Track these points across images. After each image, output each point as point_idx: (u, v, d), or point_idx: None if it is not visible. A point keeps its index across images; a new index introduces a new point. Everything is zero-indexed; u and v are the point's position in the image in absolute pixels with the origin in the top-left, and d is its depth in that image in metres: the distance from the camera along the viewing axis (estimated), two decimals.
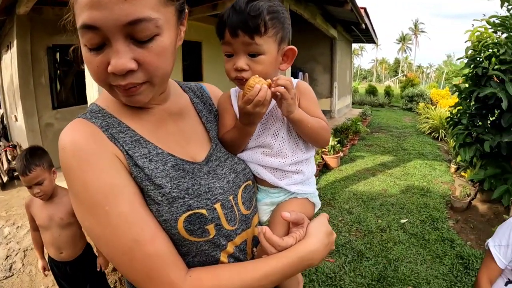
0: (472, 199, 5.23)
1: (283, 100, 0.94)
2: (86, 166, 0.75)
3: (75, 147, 0.76)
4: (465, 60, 4.75)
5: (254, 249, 1.02)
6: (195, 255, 0.88)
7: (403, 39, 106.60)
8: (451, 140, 7.81)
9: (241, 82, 1.00)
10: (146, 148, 0.86)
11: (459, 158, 5.58)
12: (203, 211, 0.85)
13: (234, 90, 1.15)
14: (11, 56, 6.64)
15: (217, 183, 0.93)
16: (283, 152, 1.06)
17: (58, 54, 6.87)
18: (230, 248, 0.93)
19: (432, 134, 10.65)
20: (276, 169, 1.07)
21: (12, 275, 3.54)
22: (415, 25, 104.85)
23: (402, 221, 4.80)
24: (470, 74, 4.69)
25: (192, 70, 9.57)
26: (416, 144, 9.45)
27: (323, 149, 7.34)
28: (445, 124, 9.51)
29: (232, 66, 0.99)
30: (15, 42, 6.13)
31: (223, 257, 0.92)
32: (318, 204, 1.16)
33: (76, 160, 0.75)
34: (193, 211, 0.83)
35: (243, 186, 1.01)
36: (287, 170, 1.07)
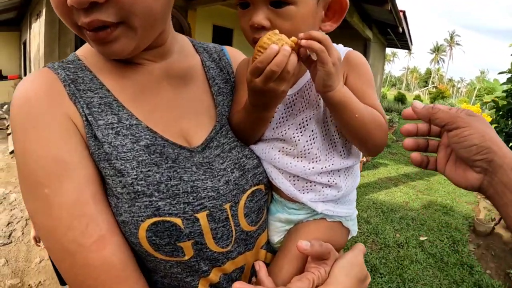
0: (496, 224, 4.94)
1: (319, 65, 0.64)
2: (30, 130, 0.59)
3: (24, 104, 0.60)
4: (508, 76, 4.45)
5: (254, 278, 0.76)
6: (164, 276, 0.67)
7: (437, 49, 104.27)
8: None
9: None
10: (117, 116, 0.65)
11: None
12: (177, 220, 0.61)
13: None
14: (39, 25, 6.66)
15: (209, 182, 0.68)
16: (312, 153, 0.75)
17: None
18: (215, 276, 0.68)
19: None
20: (297, 176, 0.77)
21: (10, 243, 3.49)
22: (451, 37, 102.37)
23: (422, 238, 4.55)
24: (510, 91, 4.37)
25: None
26: None
27: None
28: None
29: (248, 22, 0.70)
30: (44, 11, 6.11)
31: (203, 286, 0.68)
32: (354, 232, 0.85)
33: (21, 121, 0.60)
34: (162, 218, 0.60)
35: (249, 191, 0.73)
36: (313, 180, 0.76)
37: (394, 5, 7.23)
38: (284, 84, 0.64)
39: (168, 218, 0.60)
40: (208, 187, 0.66)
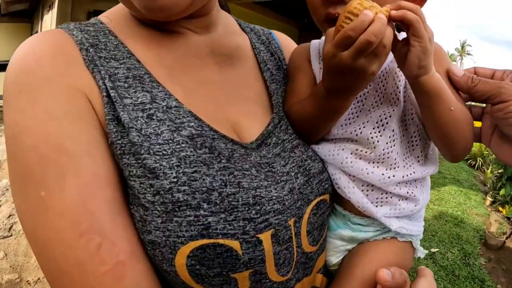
0: (507, 237, 4.87)
1: (413, 40, 0.52)
2: (26, 106, 0.45)
3: (21, 70, 0.47)
4: None
5: None
6: None
7: None
8: (488, 171, 7.40)
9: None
10: (150, 94, 0.51)
11: (502, 192, 5.17)
12: (234, 243, 0.46)
13: (317, 42, 0.74)
14: (51, 17, 6.66)
15: (273, 190, 0.52)
16: (391, 158, 0.63)
17: None
18: None
19: (469, 161, 10.13)
20: (372, 185, 0.63)
21: (10, 236, 3.41)
22: (462, 47, 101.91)
23: (433, 250, 4.49)
24: None
25: None
26: (452, 169, 8.99)
27: None
28: (485, 153, 9.09)
29: None
30: (56, 3, 6.11)
31: None
32: (422, 253, 0.71)
33: (15, 93, 0.46)
34: (212, 240, 0.45)
35: (314, 202, 0.59)
36: (391, 191, 0.63)
37: None
38: (376, 62, 0.52)
39: (221, 241, 0.45)
40: (273, 197, 0.51)
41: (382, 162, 0.63)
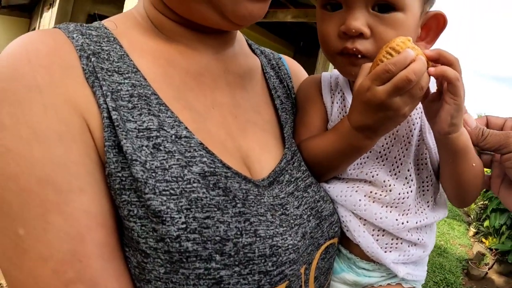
0: (490, 268, 4.91)
1: (448, 97, 0.51)
2: (8, 124, 0.37)
3: (9, 72, 0.39)
4: None
5: None
6: None
7: None
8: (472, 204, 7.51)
9: (351, 60, 0.57)
10: (157, 119, 0.44)
11: (486, 223, 5.23)
12: None
13: (327, 75, 0.70)
14: (50, 15, 6.60)
15: (288, 237, 0.47)
16: (406, 203, 0.60)
17: None
18: None
19: None
20: (384, 230, 0.61)
21: None
22: None
23: None
24: None
25: None
26: None
27: None
28: None
29: (338, 27, 0.56)
30: (57, 1, 6.07)
31: None
32: None
33: None
34: None
35: (323, 247, 0.55)
36: (403, 237, 0.61)
37: None
38: (410, 103, 0.50)
39: None
40: (290, 246, 0.46)
41: (396, 207, 0.61)
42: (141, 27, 0.53)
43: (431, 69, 0.50)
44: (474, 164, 0.57)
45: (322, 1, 0.58)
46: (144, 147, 0.40)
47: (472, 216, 7.00)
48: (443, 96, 0.52)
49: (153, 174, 0.39)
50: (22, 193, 0.36)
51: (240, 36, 0.67)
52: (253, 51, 0.70)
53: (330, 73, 0.71)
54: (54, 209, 0.36)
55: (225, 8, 0.47)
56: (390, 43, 0.50)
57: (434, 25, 0.61)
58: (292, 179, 0.55)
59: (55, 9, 6.23)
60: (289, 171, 0.56)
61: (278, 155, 0.57)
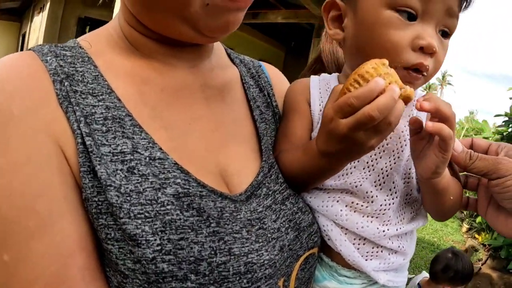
0: (483, 264, 4.91)
1: (437, 150, 0.51)
2: None
3: None
4: (505, 118, 4.51)
5: None
6: None
7: (428, 87, 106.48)
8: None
9: (415, 77, 0.56)
10: (131, 141, 0.44)
11: (478, 219, 5.28)
12: None
13: (316, 79, 0.69)
14: (41, 19, 6.57)
15: (264, 252, 0.48)
16: (387, 214, 0.61)
17: (88, 28, 6.75)
18: None
19: None
20: (365, 239, 0.61)
21: None
22: (443, 76, 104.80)
23: (409, 276, 4.45)
24: (507, 134, 4.42)
25: None
26: None
27: None
28: None
29: (413, 39, 0.54)
30: (48, 5, 6.04)
31: None
32: None
33: None
34: None
35: (303, 258, 0.56)
36: (384, 245, 0.62)
37: None
38: (377, 138, 0.48)
39: None
40: (265, 262, 0.47)
41: (377, 217, 0.61)
42: (117, 45, 0.53)
43: (429, 124, 0.49)
44: (452, 197, 0.58)
45: (396, 4, 0.54)
46: (118, 171, 0.42)
47: (465, 212, 7.03)
48: (433, 148, 0.52)
49: (128, 198, 0.40)
50: (5, 222, 0.38)
51: (218, 47, 0.67)
52: (232, 60, 0.70)
53: (319, 77, 0.70)
54: (36, 235, 0.38)
55: (199, 23, 0.47)
56: (360, 69, 0.46)
57: None
58: (270, 192, 0.56)
59: (45, 13, 6.20)
60: (266, 184, 0.56)
61: (256, 168, 0.57)
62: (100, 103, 0.45)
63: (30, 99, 0.42)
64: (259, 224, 0.50)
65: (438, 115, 0.50)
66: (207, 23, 0.47)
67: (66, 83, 0.44)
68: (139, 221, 0.40)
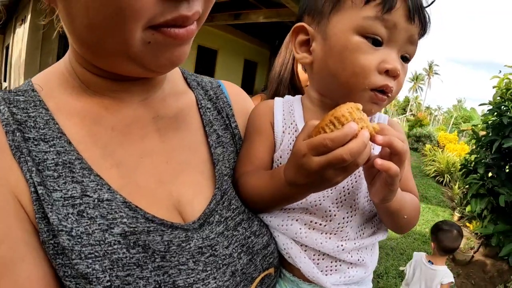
0: (475, 252, 4.96)
1: (385, 184, 0.54)
2: None
3: None
4: (489, 107, 4.56)
5: None
6: None
7: (416, 78, 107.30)
8: (456, 187, 7.59)
9: (381, 98, 0.61)
10: (80, 185, 0.47)
11: (468, 208, 5.35)
12: None
13: (280, 101, 0.73)
14: (23, 31, 6.52)
15: (212, 280, 0.51)
16: (345, 231, 0.64)
17: None
18: None
19: (437, 178, 10.37)
20: (324, 254, 0.65)
21: None
22: (430, 66, 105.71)
23: (401, 268, 4.47)
24: (491, 122, 4.47)
25: None
26: (420, 187, 9.13)
27: None
28: (452, 169, 9.36)
29: (379, 63, 0.59)
30: (29, 17, 5.99)
31: None
32: None
33: None
34: None
35: (258, 279, 0.59)
36: (343, 259, 0.65)
37: None
38: (343, 175, 0.52)
39: None
40: None
41: (335, 234, 0.64)
42: (68, 84, 0.55)
43: (377, 161, 0.52)
44: (406, 216, 0.63)
45: (366, 31, 0.58)
46: (70, 215, 0.45)
47: (456, 201, 7.08)
48: (381, 178, 0.55)
49: (79, 240, 0.44)
50: None
51: (173, 73, 0.68)
52: (188, 84, 0.71)
53: (282, 99, 0.73)
54: (1, 278, 0.41)
55: (144, 60, 0.49)
56: (336, 111, 0.49)
57: None
58: (222, 219, 0.58)
59: (27, 24, 6.15)
60: (218, 211, 0.59)
61: (209, 196, 0.60)
62: (52, 149, 0.48)
63: None
64: (210, 251, 0.54)
65: (390, 149, 0.53)
66: (152, 60, 0.49)
67: (17, 134, 0.47)
68: (90, 261, 0.43)
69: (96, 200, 0.47)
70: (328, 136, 0.48)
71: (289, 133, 0.68)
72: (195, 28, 0.49)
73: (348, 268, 0.66)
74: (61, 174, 0.47)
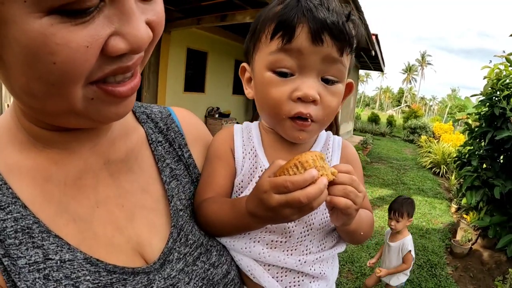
0: (473, 244, 4.98)
1: (343, 214, 0.59)
2: None
3: None
4: (481, 98, 4.54)
5: None
6: None
7: (409, 69, 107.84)
8: (453, 178, 7.60)
9: (302, 124, 0.64)
10: (41, 249, 0.48)
11: (464, 201, 5.34)
12: None
13: (239, 128, 0.76)
14: None
15: None
16: (304, 245, 0.68)
17: None
18: None
19: (433, 169, 10.41)
20: (287, 270, 0.68)
21: None
22: (422, 57, 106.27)
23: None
24: (484, 113, 4.45)
25: (194, 80, 9.36)
26: (417, 179, 9.20)
27: None
28: (448, 160, 9.37)
29: (291, 93, 0.62)
30: None
31: None
32: None
33: None
34: None
35: None
36: (307, 272, 0.68)
37: (367, 30, 7.40)
38: (299, 214, 0.55)
39: None
40: None
41: (296, 249, 0.67)
42: (17, 140, 0.54)
43: (327, 199, 0.56)
44: (362, 233, 0.69)
45: (274, 66, 0.63)
46: (37, 279, 0.46)
47: (453, 192, 7.09)
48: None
49: None
50: None
51: None
52: (137, 118, 0.69)
53: (242, 126, 0.76)
54: None
55: (90, 115, 0.48)
56: (302, 156, 0.54)
57: (347, 91, 0.71)
58: (181, 256, 0.60)
59: None
60: (177, 248, 0.60)
61: (167, 234, 0.61)
62: (9, 216, 0.47)
63: None
64: None
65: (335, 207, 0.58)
66: (98, 114, 0.49)
67: None
68: None
69: (58, 261, 0.48)
70: (289, 178, 0.52)
71: (249, 159, 0.71)
72: (137, 80, 0.49)
73: (310, 282, 0.69)
74: (22, 241, 0.47)
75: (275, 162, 0.57)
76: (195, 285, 0.58)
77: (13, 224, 0.47)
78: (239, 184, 0.71)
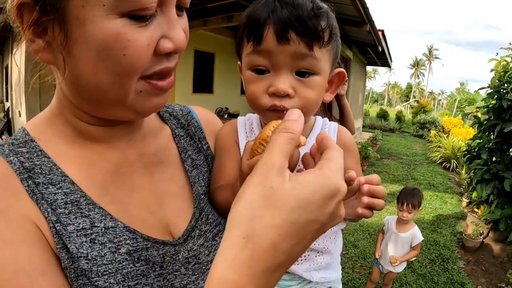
0: (484, 237, 4.95)
1: (364, 206, 0.62)
2: None
3: None
4: (489, 91, 4.52)
5: None
6: None
7: (416, 64, 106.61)
8: (463, 172, 7.54)
9: (279, 115, 0.67)
10: (88, 218, 0.57)
11: (474, 194, 5.32)
12: None
13: (242, 120, 0.83)
14: (20, 51, 6.56)
15: (200, 282, 0.63)
16: None
17: None
18: None
19: (443, 164, 10.33)
20: None
21: None
22: (430, 51, 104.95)
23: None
24: (492, 106, 4.44)
25: (203, 81, 9.42)
26: (427, 174, 9.13)
27: None
28: (458, 154, 9.29)
29: (266, 88, 0.68)
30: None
31: None
32: None
33: None
34: None
35: None
36: (311, 247, 0.75)
37: (372, 26, 7.36)
38: None
39: None
40: None
41: None
42: (62, 133, 0.62)
43: (365, 187, 0.61)
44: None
45: (251, 65, 0.70)
46: (84, 243, 0.54)
47: (464, 186, 7.02)
48: (358, 201, 0.62)
49: (95, 262, 0.54)
50: (2, 283, 0.46)
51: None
52: (162, 116, 0.80)
53: (245, 118, 0.82)
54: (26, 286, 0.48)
55: (136, 107, 0.58)
56: (262, 133, 0.55)
57: (336, 80, 0.74)
58: (202, 233, 0.70)
59: (23, 44, 6.19)
60: (198, 227, 0.70)
61: (190, 215, 0.71)
62: (59, 191, 0.56)
63: (7, 195, 0.52)
64: (195, 260, 0.66)
65: (373, 193, 0.61)
66: (143, 106, 0.58)
67: (29, 180, 0.54)
68: (106, 277, 0.54)
69: (103, 228, 0.57)
70: (257, 158, 0.54)
71: None
72: (173, 78, 0.60)
73: (315, 256, 0.77)
74: (71, 211, 0.55)
75: (246, 144, 0.61)
76: (213, 257, 0.63)
77: (63, 197, 0.56)
78: None
